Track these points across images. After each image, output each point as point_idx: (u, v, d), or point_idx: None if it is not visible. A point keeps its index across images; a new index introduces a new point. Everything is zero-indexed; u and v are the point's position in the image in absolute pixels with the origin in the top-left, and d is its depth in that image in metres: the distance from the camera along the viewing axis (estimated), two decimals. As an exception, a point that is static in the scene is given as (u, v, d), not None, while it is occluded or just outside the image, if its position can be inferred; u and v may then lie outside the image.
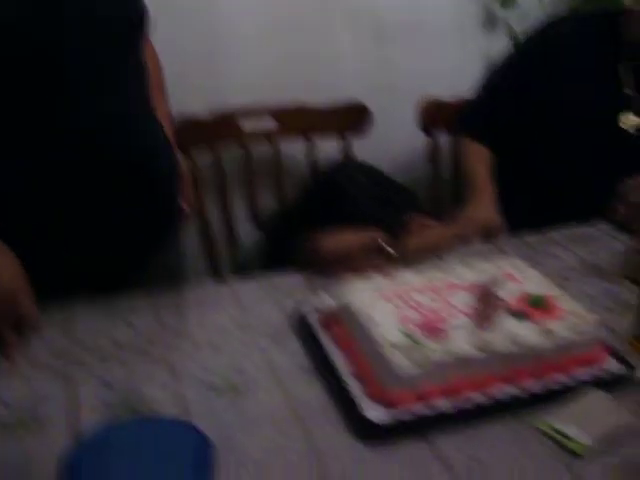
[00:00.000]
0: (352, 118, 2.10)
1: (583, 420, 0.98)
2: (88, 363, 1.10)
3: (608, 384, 1.05)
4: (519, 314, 1.08)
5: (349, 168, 1.52)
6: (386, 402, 0.98)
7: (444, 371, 0.98)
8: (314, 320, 1.18)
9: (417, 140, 2.14)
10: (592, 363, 1.08)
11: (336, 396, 1.03)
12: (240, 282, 1.39)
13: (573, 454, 0.93)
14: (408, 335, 1.01)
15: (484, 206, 1.70)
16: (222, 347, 1.15)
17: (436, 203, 2.15)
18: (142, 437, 0.68)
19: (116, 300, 1.28)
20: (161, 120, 1.38)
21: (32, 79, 1.13)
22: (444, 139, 2.11)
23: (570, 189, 1.75)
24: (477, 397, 1.01)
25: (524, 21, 2.24)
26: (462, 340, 1.01)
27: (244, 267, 1.61)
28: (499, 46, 2.23)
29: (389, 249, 1.35)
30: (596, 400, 1.02)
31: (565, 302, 1.12)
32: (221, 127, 1.99)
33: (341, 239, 1.35)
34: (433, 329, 1.03)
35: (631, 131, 1.74)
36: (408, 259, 1.37)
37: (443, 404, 0.99)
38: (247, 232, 1.76)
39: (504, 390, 1.02)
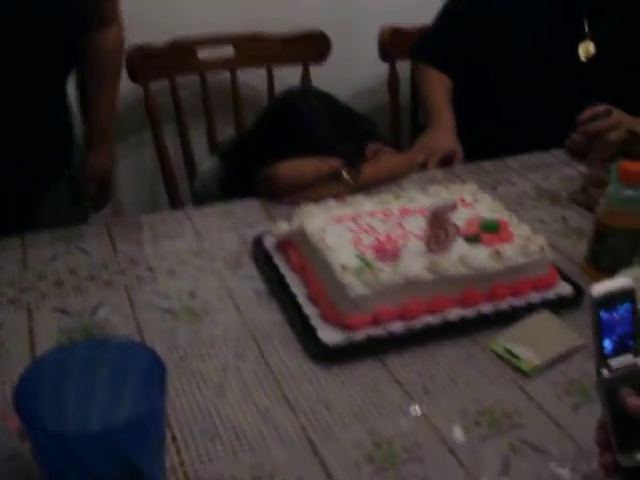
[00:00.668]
0: (311, 46, 2.07)
1: (533, 341, 1.01)
2: (42, 290, 1.10)
3: (559, 306, 1.08)
4: (471, 238, 1.09)
5: (306, 94, 1.51)
6: (340, 325, 1.00)
7: (396, 293, 1.00)
8: (270, 245, 1.19)
9: (378, 69, 2.13)
10: (543, 286, 1.10)
11: (292, 319, 1.04)
12: (197, 210, 1.38)
13: (522, 373, 0.97)
14: (361, 258, 1.02)
15: (442, 133, 1.71)
16: (178, 273, 1.16)
17: (395, 131, 2.15)
18: (94, 358, 0.69)
19: (69, 229, 1.28)
20: (99, 106, 1.50)
21: None
22: (404, 67, 2.09)
23: (529, 118, 1.75)
24: (430, 319, 1.03)
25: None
26: (414, 263, 1.02)
27: (202, 196, 1.60)
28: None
29: (346, 176, 1.36)
30: (546, 322, 1.05)
31: (516, 226, 1.14)
32: (178, 57, 1.95)
33: (298, 166, 1.34)
34: (386, 252, 1.04)
35: (583, 59, 1.74)
36: (364, 186, 1.38)
37: (396, 326, 1.01)
38: (206, 162, 1.74)
39: (456, 312, 1.05)
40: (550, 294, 1.10)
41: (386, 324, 1.01)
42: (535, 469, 0.82)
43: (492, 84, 1.83)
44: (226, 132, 2.05)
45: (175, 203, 2.00)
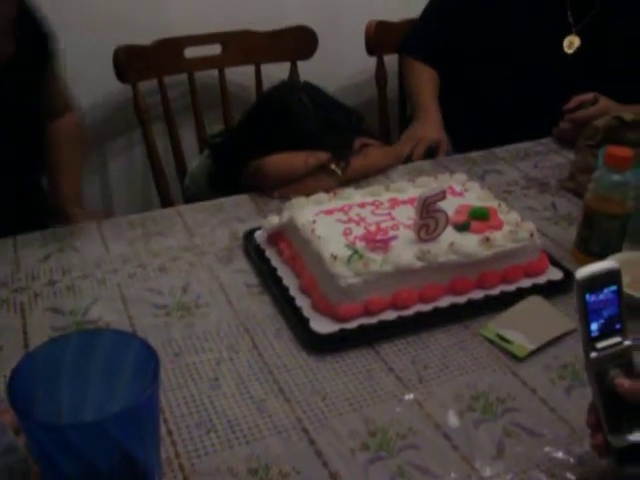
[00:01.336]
0: (299, 42, 2.08)
1: (524, 326, 1.01)
2: (35, 289, 1.10)
3: (549, 291, 1.09)
4: (460, 226, 1.10)
5: (295, 88, 1.51)
6: (333, 315, 1.00)
7: (387, 282, 1.01)
8: (261, 239, 1.19)
9: (365, 63, 2.14)
10: (533, 271, 1.11)
11: (284, 311, 1.05)
12: (187, 207, 1.38)
13: (514, 357, 0.97)
14: (352, 248, 1.03)
15: (429, 124, 1.71)
16: (170, 269, 1.16)
17: (384, 124, 2.16)
18: (87, 349, 0.69)
19: (61, 229, 1.28)
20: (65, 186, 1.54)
21: None
22: (391, 61, 2.10)
23: (517, 111, 1.76)
24: (421, 307, 1.03)
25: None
26: (404, 251, 1.03)
27: (192, 194, 1.60)
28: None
29: (334, 168, 1.36)
30: (537, 307, 1.06)
31: (505, 213, 1.15)
32: (166, 56, 1.94)
33: (286, 160, 1.35)
34: (376, 242, 1.05)
35: (568, 52, 1.75)
36: (352, 178, 1.38)
37: (388, 315, 1.02)
38: (195, 160, 1.75)
39: (447, 299, 1.05)
40: (540, 279, 1.10)
41: (378, 313, 1.01)
42: (529, 452, 0.83)
43: (479, 77, 1.84)
44: (215, 130, 2.05)
45: (166, 202, 1.99)
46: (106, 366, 0.70)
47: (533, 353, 0.98)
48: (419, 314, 1.03)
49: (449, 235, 1.07)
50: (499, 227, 1.10)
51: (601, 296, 0.70)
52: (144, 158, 2.08)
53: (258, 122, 1.46)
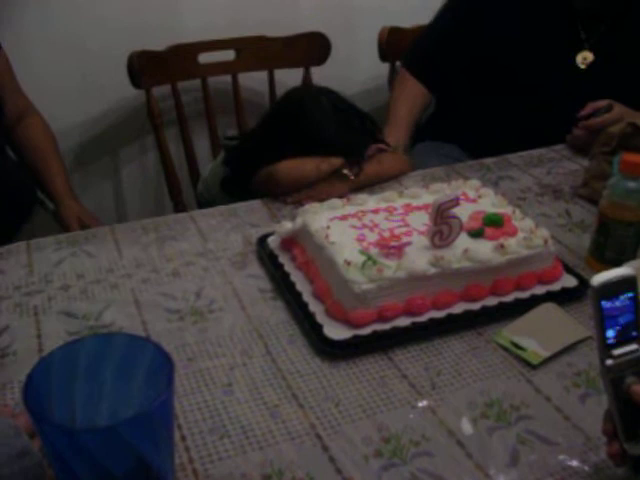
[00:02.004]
0: (312, 48, 2.09)
1: (538, 333, 1.01)
2: (49, 294, 1.11)
3: (563, 299, 1.09)
4: (474, 232, 1.10)
5: (313, 90, 1.50)
6: (346, 321, 1.00)
7: (401, 288, 1.00)
8: (274, 244, 1.19)
9: (378, 69, 2.14)
10: (548, 279, 1.10)
11: (297, 316, 1.05)
12: (201, 212, 1.39)
13: (528, 365, 0.97)
14: (365, 254, 1.02)
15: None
16: (183, 274, 1.16)
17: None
18: (101, 353, 0.69)
19: (74, 233, 1.29)
20: (50, 177, 1.63)
21: None
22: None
23: (530, 125, 1.75)
24: (435, 313, 1.03)
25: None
26: (418, 258, 1.03)
27: (206, 199, 1.60)
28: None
29: (347, 173, 1.36)
30: (551, 314, 1.06)
31: (519, 220, 1.14)
32: (180, 62, 1.96)
33: (298, 165, 1.35)
34: (390, 248, 1.04)
35: (582, 67, 1.74)
36: (365, 184, 1.39)
37: (402, 321, 1.01)
38: (208, 166, 1.75)
39: (461, 306, 1.05)
40: (554, 287, 1.10)
41: (391, 319, 1.01)
42: (544, 460, 0.82)
43: (489, 92, 1.83)
44: (229, 133, 2.06)
45: (179, 207, 2.00)
46: (120, 370, 0.70)
47: (547, 360, 0.97)
48: (433, 320, 1.02)
49: (463, 241, 1.07)
50: (513, 234, 1.10)
51: (617, 303, 0.70)
52: (157, 163, 2.09)
53: (274, 123, 1.45)
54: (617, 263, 1.06)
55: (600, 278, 0.69)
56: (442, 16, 1.89)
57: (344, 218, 1.14)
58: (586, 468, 0.81)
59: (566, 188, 1.47)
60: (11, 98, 1.63)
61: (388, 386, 0.93)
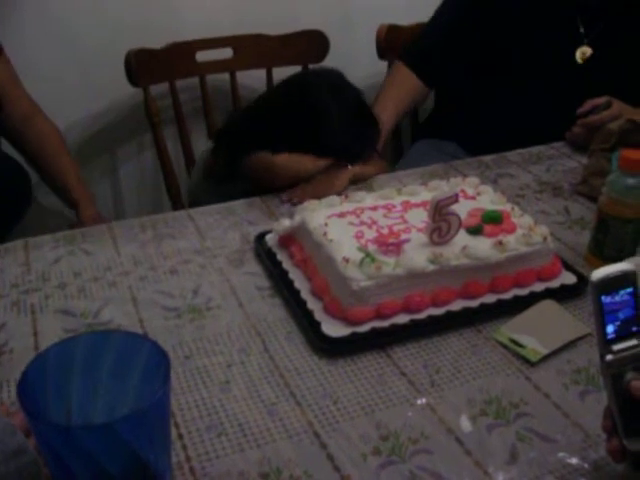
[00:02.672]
0: (310, 46, 2.08)
1: (537, 330, 1.00)
2: (46, 292, 1.10)
3: (562, 296, 1.08)
4: (473, 229, 1.09)
5: (338, 88, 1.44)
6: (344, 318, 1.00)
7: (399, 285, 1.00)
8: (272, 242, 1.19)
9: (376, 67, 2.13)
10: (547, 275, 1.10)
11: (295, 314, 1.04)
12: (198, 209, 1.38)
13: (527, 362, 0.96)
14: (364, 251, 1.02)
15: None
16: (181, 271, 1.16)
17: (396, 128, 2.15)
18: (97, 350, 0.69)
19: (72, 231, 1.28)
20: (64, 178, 1.61)
21: None
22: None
23: (528, 120, 1.75)
24: (433, 310, 1.03)
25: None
26: (417, 255, 1.02)
27: (193, 193, 1.59)
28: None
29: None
30: (550, 311, 1.05)
31: (518, 217, 1.14)
32: (178, 59, 1.95)
33: (298, 162, 1.34)
34: (388, 245, 1.04)
35: (580, 61, 1.74)
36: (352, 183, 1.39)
37: (400, 318, 1.01)
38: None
39: (460, 303, 1.05)
40: (554, 283, 1.09)
41: (390, 316, 1.00)
42: (543, 458, 0.82)
43: (489, 90, 1.83)
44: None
45: (177, 205, 2.00)
46: (116, 368, 0.70)
47: (546, 357, 0.97)
48: (431, 318, 1.02)
49: (462, 238, 1.07)
50: (512, 230, 1.10)
51: (617, 298, 0.69)
52: (155, 161, 2.08)
53: (289, 114, 1.39)
54: (616, 260, 1.04)
55: (600, 273, 0.69)
56: (441, 12, 1.89)
57: (342, 215, 1.14)
58: (586, 465, 0.81)
59: (565, 185, 1.47)
60: (13, 103, 1.61)
61: (387, 383, 0.92)
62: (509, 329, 1.01)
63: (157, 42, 1.90)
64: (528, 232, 1.08)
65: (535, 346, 0.98)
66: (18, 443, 0.65)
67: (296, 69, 2.05)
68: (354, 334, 0.98)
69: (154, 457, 0.66)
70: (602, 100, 1.60)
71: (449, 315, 1.03)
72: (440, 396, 0.91)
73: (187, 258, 1.19)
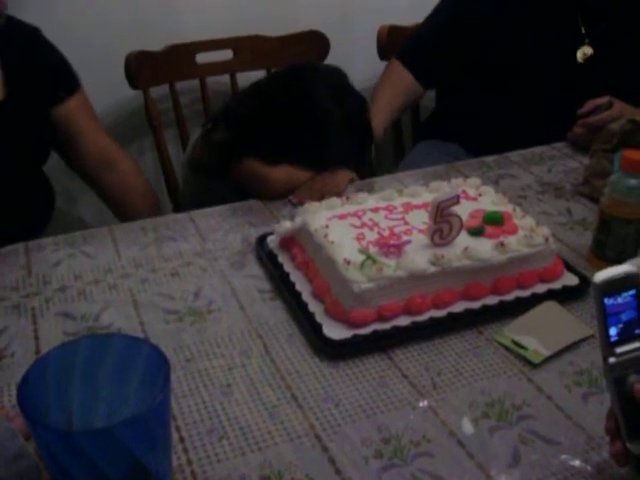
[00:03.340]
0: (310, 47, 2.08)
1: (540, 332, 1.00)
2: (47, 295, 1.10)
3: (564, 297, 1.08)
4: (475, 230, 1.09)
5: (344, 94, 1.43)
6: (346, 320, 0.99)
7: (401, 287, 1.00)
8: (273, 244, 1.19)
9: (377, 68, 2.13)
10: (548, 277, 1.10)
11: (297, 316, 1.04)
12: (199, 212, 1.37)
13: (529, 363, 0.96)
14: (365, 253, 1.02)
15: None
16: (181, 273, 1.15)
17: (396, 129, 2.15)
18: (97, 354, 0.69)
19: (72, 234, 1.28)
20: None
21: None
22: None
23: (529, 119, 1.75)
24: (435, 312, 1.02)
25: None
26: (418, 256, 1.02)
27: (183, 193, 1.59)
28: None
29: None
30: (552, 312, 1.05)
31: (520, 218, 1.14)
32: (178, 62, 1.95)
33: (292, 176, 1.34)
34: (389, 247, 1.04)
35: (580, 61, 1.74)
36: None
37: (402, 320, 1.01)
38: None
39: (461, 305, 1.04)
40: (555, 285, 1.09)
41: (391, 319, 1.00)
42: (545, 460, 0.81)
43: (489, 90, 1.82)
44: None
45: (178, 208, 1.99)
46: (117, 371, 0.69)
47: (548, 359, 0.96)
48: (433, 320, 1.02)
49: (463, 240, 1.06)
50: (514, 232, 1.09)
51: (619, 300, 0.69)
52: (156, 164, 2.08)
53: (290, 119, 1.34)
54: (618, 261, 1.04)
55: (602, 275, 0.69)
56: (440, 9, 1.88)
57: (343, 217, 1.13)
58: (588, 468, 0.80)
59: (567, 186, 1.46)
60: (89, 143, 1.58)
61: (388, 386, 0.92)
62: (511, 331, 1.01)
63: (157, 44, 1.90)
64: (530, 233, 1.08)
65: (537, 348, 0.97)
66: (18, 447, 0.65)
67: (296, 70, 2.05)
68: (355, 336, 0.98)
69: (155, 461, 0.66)
70: (603, 100, 1.60)
71: (451, 317, 1.02)
72: (442, 398, 0.90)
73: (188, 260, 1.19)
